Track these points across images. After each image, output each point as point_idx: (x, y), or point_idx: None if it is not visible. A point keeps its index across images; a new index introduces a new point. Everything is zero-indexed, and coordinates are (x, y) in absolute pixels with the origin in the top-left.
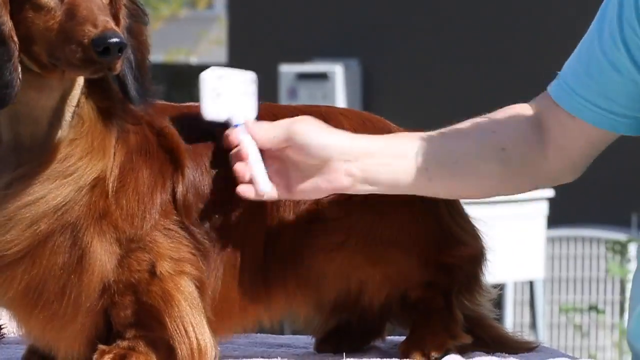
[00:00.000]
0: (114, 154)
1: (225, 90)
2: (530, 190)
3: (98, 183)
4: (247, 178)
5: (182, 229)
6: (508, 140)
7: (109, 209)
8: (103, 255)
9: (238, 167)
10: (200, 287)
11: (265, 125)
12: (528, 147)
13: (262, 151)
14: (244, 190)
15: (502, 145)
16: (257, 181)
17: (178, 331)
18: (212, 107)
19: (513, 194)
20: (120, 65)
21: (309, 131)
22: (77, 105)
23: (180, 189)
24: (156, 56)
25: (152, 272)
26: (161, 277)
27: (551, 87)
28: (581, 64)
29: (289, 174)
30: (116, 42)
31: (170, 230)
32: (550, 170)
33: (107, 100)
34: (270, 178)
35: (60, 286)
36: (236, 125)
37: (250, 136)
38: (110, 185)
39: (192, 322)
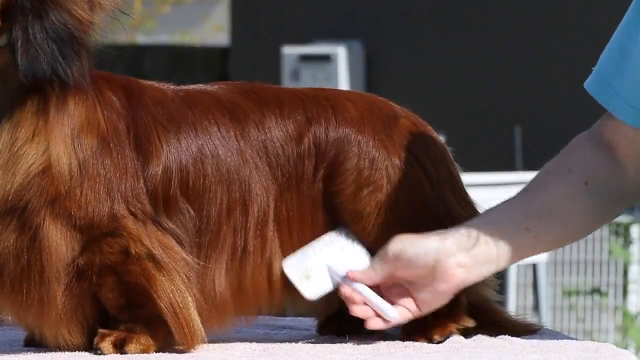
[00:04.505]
0: (64, 138)
1: (311, 266)
2: (623, 210)
3: (47, 167)
4: (371, 315)
5: (152, 219)
6: (585, 173)
7: (60, 194)
8: (58, 238)
9: (357, 310)
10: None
11: (368, 265)
12: (606, 171)
13: (378, 286)
14: (374, 324)
15: (584, 180)
16: (381, 311)
17: (167, 307)
18: (311, 290)
19: (610, 221)
20: None
21: (406, 246)
22: (19, 88)
23: (153, 177)
24: (163, 39)
25: (127, 253)
26: (137, 257)
27: (597, 93)
28: (625, 64)
29: (411, 293)
30: None
31: (140, 217)
32: (636, 183)
33: (47, 83)
34: (394, 302)
35: (21, 267)
36: (343, 280)
37: (359, 283)
38: (58, 170)
39: (177, 298)
